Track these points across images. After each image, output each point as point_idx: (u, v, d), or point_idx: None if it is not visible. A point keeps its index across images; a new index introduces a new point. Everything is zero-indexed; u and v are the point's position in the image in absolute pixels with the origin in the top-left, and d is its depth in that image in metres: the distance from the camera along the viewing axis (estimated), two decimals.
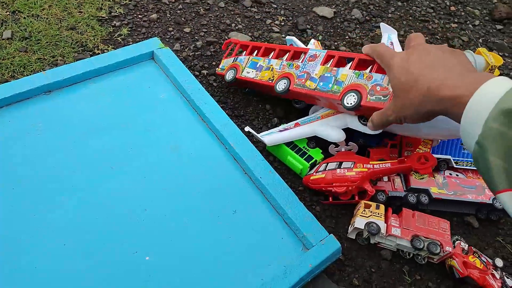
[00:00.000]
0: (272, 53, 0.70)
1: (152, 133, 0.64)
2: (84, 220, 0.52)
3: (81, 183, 0.56)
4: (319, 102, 0.65)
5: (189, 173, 0.60)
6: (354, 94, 0.56)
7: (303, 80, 0.62)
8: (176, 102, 0.70)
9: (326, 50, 0.63)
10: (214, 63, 0.83)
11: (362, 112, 0.57)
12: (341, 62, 0.62)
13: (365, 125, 0.58)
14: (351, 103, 0.56)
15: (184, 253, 0.52)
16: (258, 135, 0.64)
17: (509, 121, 0.29)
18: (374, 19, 1.06)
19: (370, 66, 0.57)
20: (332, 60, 0.62)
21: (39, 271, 0.47)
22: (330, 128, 0.62)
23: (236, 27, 0.93)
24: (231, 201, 0.58)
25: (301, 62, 0.65)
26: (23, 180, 0.55)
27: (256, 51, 0.73)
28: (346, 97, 0.57)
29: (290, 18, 1.00)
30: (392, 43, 0.76)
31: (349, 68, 0.59)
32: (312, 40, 0.81)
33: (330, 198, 0.64)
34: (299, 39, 0.84)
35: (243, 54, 0.74)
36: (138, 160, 0.60)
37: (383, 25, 0.80)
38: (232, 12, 0.97)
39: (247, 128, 0.65)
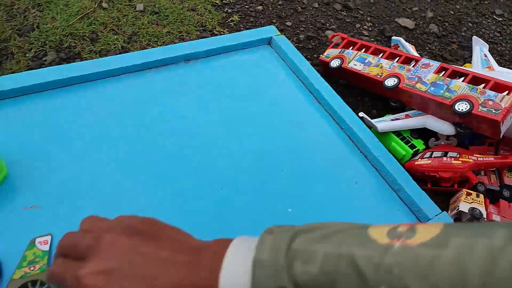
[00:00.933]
0: (382, 54, 0.78)
1: (276, 107, 0.72)
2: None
3: (216, 140, 0.63)
4: (418, 104, 0.72)
5: (311, 145, 0.67)
6: (466, 103, 0.64)
7: (414, 82, 0.70)
8: (293, 84, 0.77)
9: (439, 62, 0.71)
10: (315, 55, 0.91)
11: (466, 121, 0.65)
12: (452, 75, 0.70)
13: (463, 132, 0.66)
14: (462, 110, 0.63)
15: (316, 211, 0.59)
16: (372, 121, 0.71)
17: None
18: (450, 35, 1.14)
19: (484, 84, 0.65)
20: (444, 72, 0.70)
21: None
22: (441, 122, 0.69)
23: (330, 27, 1.01)
24: (351, 174, 0.65)
25: (413, 67, 0.73)
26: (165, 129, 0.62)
27: (364, 49, 0.81)
28: (458, 104, 0.64)
29: (376, 25, 1.08)
30: (485, 55, 0.84)
31: (463, 81, 0.67)
32: (407, 43, 0.89)
33: (429, 184, 0.71)
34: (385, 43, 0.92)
35: (350, 49, 0.82)
36: (265, 128, 0.67)
37: (475, 38, 0.88)
38: (325, 13, 1.05)
39: (361, 114, 0.72)
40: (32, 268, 0.40)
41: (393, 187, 0.65)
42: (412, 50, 0.84)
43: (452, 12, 1.24)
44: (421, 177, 0.71)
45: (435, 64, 0.70)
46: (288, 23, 0.97)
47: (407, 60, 0.75)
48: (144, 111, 0.63)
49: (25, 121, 0.57)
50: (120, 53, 0.67)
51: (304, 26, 0.98)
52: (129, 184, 0.54)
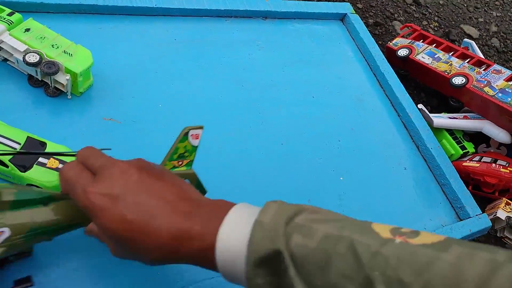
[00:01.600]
0: (453, 52, 0.79)
1: (341, 81, 0.73)
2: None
3: (280, 100, 0.65)
4: (479, 108, 0.73)
5: (368, 124, 0.69)
6: None
7: (482, 85, 0.71)
8: (359, 64, 0.78)
9: (511, 71, 0.72)
10: (379, 41, 0.92)
11: None
12: None
13: None
14: None
15: (363, 186, 0.61)
16: (430, 114, 0.72)
17: (270, 270, 0.25)
18: (510, 52, 1.13)
19: None
20: None
21: None
22: (499, 129, 0.70)
23: (398, 18, 1.01)
24: (401, 160, 0.67)
25: (484, 70, 0.73)
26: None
27: (435, 44, 0.81)
28: None
29: (442, 26, 1.07)
30: None
31: None
32: (478, 49, 0.89)
33: (470, 187, 0.72)
34: None
35: (421, 42, 0.83)
36: (327, 98, 0.69)
37: None
38: (395, 4, 1.05)
39: (420, 105, 0.74)
40: (180, 163, 0.37)
41: (439, 180, 0.67)
42: (482, 56, 0.84)
43: None
44: (463, 179, 0.73)
45: (507, 72, 0.71)
46: (359, 5, 0.97)
47: (479, 63, 0.75)
48: (217, 55, 0.65)
49: (117, 40, 0.59)
50: None
51: (373, 11, 0.98)
52: (194, 119, 0.56)
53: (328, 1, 0.89)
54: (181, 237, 0.27)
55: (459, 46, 0.86)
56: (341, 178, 0.60)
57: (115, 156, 0.33)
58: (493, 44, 1.12)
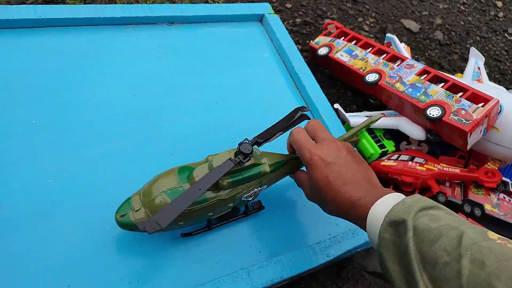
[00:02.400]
0: (371, 48, 0.76)
1: (252, 85, 0.70)
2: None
3: (187, 106, 0.62)
4: (395, 105, 0.70)
5: None
6: (439, 109, 0.62)
7: (394, 81, 0.68)
8: (275, 65, 0.76)
9: (424, 65, 0.69)
10: (307, 41, 0.89)
11: (436, 127, 0.63)
12: (433, 80, 0.67)
13: (432, 139, 0.65)
14: (433, 115, 0.62)
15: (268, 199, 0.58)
16: (346, 114, 0.70)
17: (395, 230, 0.33)
18: (454, 44, 1.11)
19: (462, 92, 0.63)
20: (426, 75, 0.68)
21: None
22: (414, 126, 0.67)
23: (331, 16, 0.99)
24: None
25: (397, 66, 0.71)
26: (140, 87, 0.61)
27: (355, 41, 0.79)
28: (430, 109, 0.63)
29: (379, 22, 1.05)
30: (479, 68, 0.81)
31: (441, 87, 0.65)
32: (403, 44, 0.87)
33: (391, 186, 0.70)
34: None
35: (341, 39, 0.80)
36: (238, 104, 0.66)
37: (473, 49, 0.85)
38: (329, 1, 1.03)
39: (336, 105, 0.71)
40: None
41: None
42: (404, 51, 0.82)
43: (462, 23, 1.20)
44: (384, 178, 0.70)
45: (419, 66, 0.68)
46: (288, 5, 0.95)
47: (394, 58, 0.73)
48: (111, 65, 0.62)
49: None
50: (106, 3, 0.66)
51: (303, 10, 0.96)
52: (70, 129, 0.53)
53: (250, 2, 0.87)
54: (354, 204, 0.38)
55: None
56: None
57: None
58: (436, 37, 1.10)
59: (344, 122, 0.72)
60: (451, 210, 0.34)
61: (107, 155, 0.53)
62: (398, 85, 0.67)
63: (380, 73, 0.70)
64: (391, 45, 0.83)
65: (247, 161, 0.43)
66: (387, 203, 0.35)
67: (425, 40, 1.08)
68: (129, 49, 0.66)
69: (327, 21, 0.96)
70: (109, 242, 0.46)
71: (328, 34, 0.83)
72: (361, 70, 0.72)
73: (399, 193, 0.37)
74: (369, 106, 0.77)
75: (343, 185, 0.39)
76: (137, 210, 0.41)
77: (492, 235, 0.30)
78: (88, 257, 0.44)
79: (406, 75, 0.68)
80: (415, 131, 0.67)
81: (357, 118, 0.70)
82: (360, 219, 0.38)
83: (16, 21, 0.59)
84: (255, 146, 0.45)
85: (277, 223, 0.55)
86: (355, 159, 0.43)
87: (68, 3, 0.74)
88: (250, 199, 0.49)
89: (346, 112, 0.71)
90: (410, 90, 0.66)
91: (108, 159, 0.52)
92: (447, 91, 0.64)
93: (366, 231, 0.38)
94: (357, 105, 0.81)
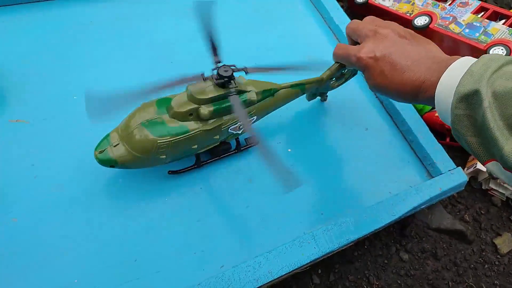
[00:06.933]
0: None
1: (287, 39, 0.66)
2: None
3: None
4: (448, 49, 0.64)
5: None
6: (503, 48, 0.56)
7: (447, 23, 0.62)
8: (312, 18, 0.70)
9: (480, 1, 0.62)
10: None
11: None
12: (492, 17, 0.61)
13: None
14: None
15: (318, 154, 0.55)
16: None
17: (468, 103, 0.31)
18: None
19: None
20: (484, 12, 0.61)
21: None
22: None
23: None
24: (362, 119, 0.60)
25: (449, 5, 0.64)
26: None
27: None
28: (492, 49, 0.56)
29: None
30: None
31: (503, 24, 0.58)
32: None
33: (448, 138, 0.65)
34: None
35: None
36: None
37: None
38: None
39: None
40: None
41: (406, 137, 0.60)
42: None
43: None
44: (440, 130, 0.66)
45: (475, 3, 0.62)
46: None
47: None
48: (139, 32, 0.59)
49: (11, 33, 0.54)
50: None
51: None
52: None
53: None
54: (420, 88, 0.36)
55: None
56: (289, 150, 0.54)
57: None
58: None
59: None
60: None
61: None
62: (452, 26, 0.61)
63: (430, 15, 0.64)
64: None
65: (232, 85, 0.39)
66: (452, 77, 0.33)
67: None
68: (157, 13, 0.62)
69: None
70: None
71: None
72: (408, 14, 0.66)
73: (466, 58, 0.34)
74: None
75: (402, 73, 0.37)
76: (115, 145, 0.38)
77: None
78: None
79: (460, 14, 0.61)
80: None
81: None
82: (431, 101, 0.36)
83: None
84: (243, 74, 0.41)
85: (335, 185, 0.52)
86: (407, 39, 0.40)
87: None
88: (240, 132, 0.46)
89: None
90: (467, 30, 0.59)
91: None
92: (510, 28, 0.57)
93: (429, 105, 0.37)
94: None
